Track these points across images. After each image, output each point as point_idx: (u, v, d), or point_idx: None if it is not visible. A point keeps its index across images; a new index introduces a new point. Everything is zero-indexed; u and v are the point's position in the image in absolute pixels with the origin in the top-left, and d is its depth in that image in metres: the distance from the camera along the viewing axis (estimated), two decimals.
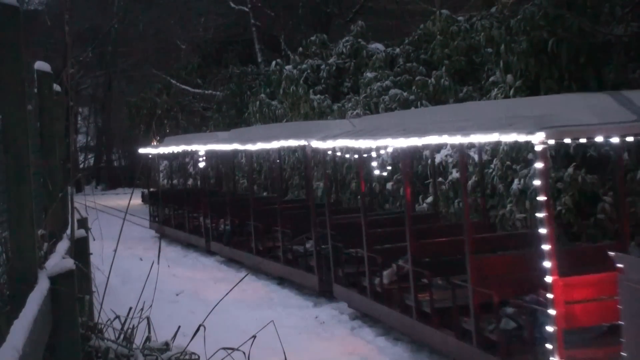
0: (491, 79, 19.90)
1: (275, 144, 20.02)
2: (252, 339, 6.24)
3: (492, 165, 17.20)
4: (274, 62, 32.24)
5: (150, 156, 37.54)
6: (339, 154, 21.85)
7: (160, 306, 8.44)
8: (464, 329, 11.50)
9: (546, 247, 9.50)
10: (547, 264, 9.49)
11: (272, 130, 21.70)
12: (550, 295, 9.46)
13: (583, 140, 10.14)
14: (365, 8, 40.16)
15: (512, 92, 16.72)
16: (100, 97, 70.73)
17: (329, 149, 16.92)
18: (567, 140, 10.19)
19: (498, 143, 16.41)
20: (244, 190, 32.44)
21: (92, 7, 59.24)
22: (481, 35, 21.66)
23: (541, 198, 9.49)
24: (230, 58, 43.57)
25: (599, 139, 9.89)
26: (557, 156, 15.68)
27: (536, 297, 10.47)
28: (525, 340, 10.31)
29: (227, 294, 6.94)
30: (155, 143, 46.45)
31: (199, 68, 45.08)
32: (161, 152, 34.59)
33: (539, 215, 9.58)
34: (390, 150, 18.67)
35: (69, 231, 6.37)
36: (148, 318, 6.53)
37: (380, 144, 14.33)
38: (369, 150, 16.95)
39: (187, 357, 6.24)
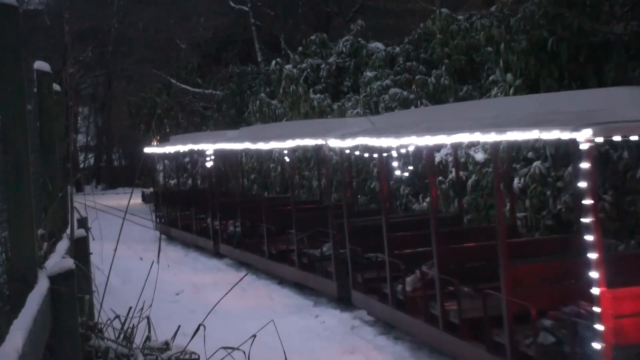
0: (491, 77, 19.91)
1: (289, 143, 18.87)
2: (252, 338, 6.24)
3: (492, 164, 17.19)
4: (273, 62, 32.24)
5: (155, 155, 37.05)
6: (347, 151, 21.36)
7: (160, 306, 8.44)
8: (496, 342, 10.68)
9: (593, 255, 8.70)
10: (593, 274, 8.71)
11: (285, 129, 20.73)
12: (597, 309, 8.71)
13: (634, 138, 9.35)
14: (365, 7, 40.16)
15: (511, 91, 16.71)
16: (100, 96, 70.79)
17: (347, 148, 16.06)
18: (617, 138, 9.37)
19: (497, 142, 16.37)
20: (246, 189, 32.26)
21: (92, 6, 59.23)
22: (481, 34, 21.66)
23: (587, 202, 8.74)
24: (230, 57, 43.57)
25: None
26: (557, 155, 15.68)
27: (576, 309, 9.76)
28: (565, 356, 9.54)
29: (226, 293, 6.94)
30: (155, 143, 46.47)
31: (199, 67, 45.09)
32: (167, 152, 33.87)
33: (585, 220, 8.81)
34: (411, 149, 18.07)
35: (68, 231, 6.38)
36: (148, 318, 6.53)
37: (404, 142, 13.35)
38: (389, 149, 16.13)
39: (187, 356, 6.24)
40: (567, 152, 15.40)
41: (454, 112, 12.80)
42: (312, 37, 31.67)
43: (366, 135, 14.38)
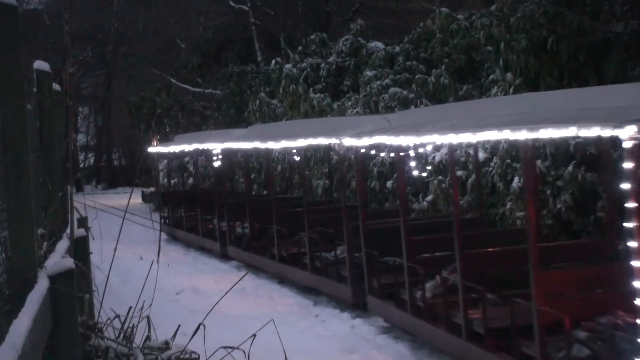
0: (491, 77, 19.91)
1: (301, 142, 18.02)
2: (252, 337, 6.24)
3: (492, 164, 17.20)
4: (273, 61, 32.23)
5: (160, 155, 36.67)
6: (363, 151, 20.41)
7: (160, 305, 8.44)
8: (526, 354, 10.02)
9: (637, 263, 8.13)
10: (636, 282, 8.11)
11: (297, 127, 19.88)
12: (639, 320, 8.13)
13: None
14: (365, 6, 40.17)
15: (511, 90, 16.71)
16: (100, 96, 70.80)
17: (363, 147, 15.39)
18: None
19: (497, 141, 16.40)
20: (242, 189, 32.12)
21: (91, 6, 59.23)
22: (481, 33, 21.66)
23: (632, 205, 8.27)
24: (230, 57, 43.57)
25: None
26: (557, 154, 15.68)
27: (614, 320, 9.17)
28: None
29: (226, 292, 6.94)
30: (155, 142, 46.47)
31: (199, 67, 45.08)
32: (171, 151, 33.40)
33: (628, 225, 8.33)
34: (430, 148, 17.50)
35: (68, 230, 6.38)
36: (148, 317, 6.53)
37: (425, 141, 12.60)
38: (407, 148, 15.34)
39: (187, 356, 6.24)
40: (567, 151, 15.41)
41: (477, 108, 12.10)
42: (312, 37, 31.67)
43: (383, 133, 13.63)
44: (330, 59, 29.62)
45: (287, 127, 21.76)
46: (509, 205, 16.44)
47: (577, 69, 16.02)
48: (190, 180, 38.88)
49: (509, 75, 17.03)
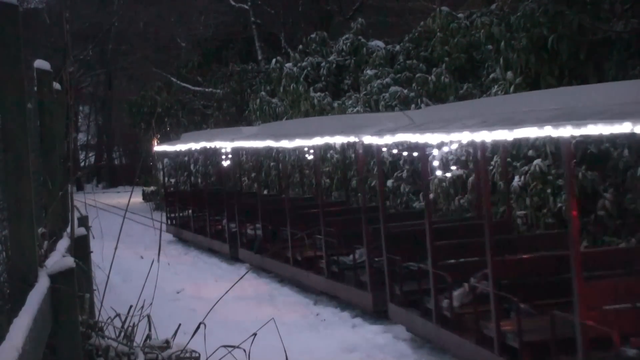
0: (491, 76, 19.90)
1: (317, 140, 17.01)
2: (253, 336, 6.24)
3: (493, 162, 17.20)
4: (274, 60, 32.23)
5: (167, 154, 36.05)
6: (384, 149, 18.79)
7: (161, 304, 8.44)
8: None
9: None
10: None
11: (312, 125, 18.80)
12: None
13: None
14: (366, 5, 40.14)
15: (512, 89, 16.72)
16: (101, 95, 70.83)
17: (385, 145, 14.65)
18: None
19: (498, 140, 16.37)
20: (243, 188, 32.05)
21: (92, 5, 59.25)
22: (481, 32, 21.65)
23: None
24: (231, 56, 43.55)
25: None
26: (557, 153, 15.68)
27: None
28: None
29: (227, 291, 6.94)
30: (156, 141, 46.46)
31: (199, 66, 45.06)
32: (178, 150, 32.73)
33: None
34: (454, 147, 16.81)
35: (69, 229, 6.37)
36: (148, 316, 6.53)
37: (454, 138, 11.76)
38: (424, 147, 13.92)
39: (187, 355, 6.24)
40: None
41: (509, 104, 11.27)
42: (313, 36, 31.68)
43: (407, 131, 12.76)
44: (331, 58, 29.62)
45: (301, 124, 20.73)
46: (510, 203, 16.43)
47: (577, 67, 16.02)
48: (191, 180, 38.78)
49: (509, 74, 17.03)
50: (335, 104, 26.67)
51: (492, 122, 10.19)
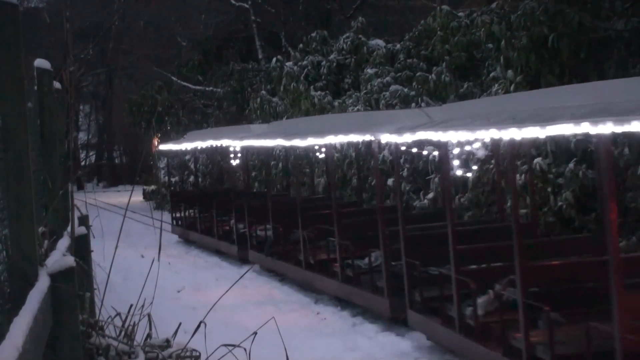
0: (492, 74, 19.90)
1: (330, 139, 16.26)
2: (253, 335, 6.24)
3: (493, 161, 17.20)
4: (274, 59, 32.24)
5: (172, 153, 35.45)
6: (403, 148, 17.77)
7: (161, 303, 8.44)
8: None
9: None
10: None
11: (325, 123, 18.10)
12: None
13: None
14: (366, 4, 40.13)
15: (512, 87, 16.72)
16: (101, 94, 70.84)
17: (404, 144, 14.04)
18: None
19: (498, 138, 16.34)
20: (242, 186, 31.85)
21: (92, 4, 59.25)
22: (481, 30, 21.65)
23: None
24: (231, 55, 43.54)
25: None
26: (558, 151, 15.68)
27: None
28: None
29: (227, 290, 6.95)
30: (157, 140, 46.46)
31: (200, 65, 45.06)
32: (183, 149, 32.01)
33: None
34: (476, 145, 16.17)
35: (69, 228, 6.37)
36: (149, 315, 6.54)
37: (480, 136, 11.11)
38: (446, 145, 13.20)
39: (188, 354, 6.24)
40: (568, 148, 15.41)
41: (538, 99, 10.55)
42: (313, 34, 31.68)
43: (428, 129, 12.02)
44: (331, 57, 29.62)
45: (313, 122, 19.92)
46: (509, 202, 16.43)
47: (577, 66, 16.02)
48: (191, 179, 38.75)
49: (509, 72, 17.03)
50: (336, 103, 26.68)
51: (522, 119, 9.51)
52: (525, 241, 11.09)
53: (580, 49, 15.94)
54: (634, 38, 15.61)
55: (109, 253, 7.12)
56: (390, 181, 21.52)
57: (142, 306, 6.53)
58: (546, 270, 10.87)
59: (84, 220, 7.35)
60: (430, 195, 19.32)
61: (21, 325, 3.43)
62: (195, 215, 29.07)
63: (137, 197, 44.96)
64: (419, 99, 22.30)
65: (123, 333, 6.19)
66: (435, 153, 18.78)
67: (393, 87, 23.41)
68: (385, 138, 13.71)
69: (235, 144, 24.26)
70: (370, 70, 25.58)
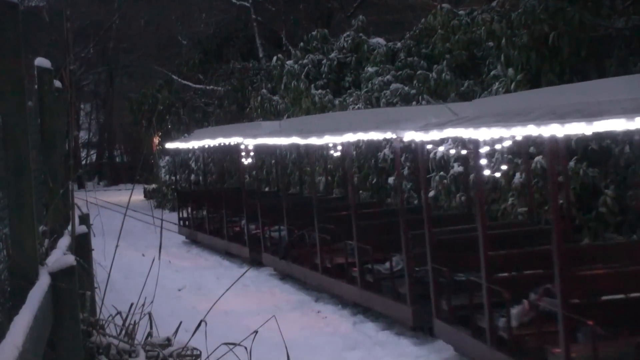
0: (492, 72, 19.90)
1: (348, 137, 15.38)
2: (254, 334, 6.24)
3: (494, 159, 17.20)
4: (275, 57, 32.24)
5: (180, 151, 34.44)
6: (429, 147, 17.44)
7: (162, 302, 8.45)
8: None
9: None
10: None
11: (342, 120, 17.31)
12: None
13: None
14: (366, 2, 40.13)
15: (513, 85, 16.71)
16: (102, 93, 70.88)
17: (429, 142, 13.30)
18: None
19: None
20: (247, 185, 31.71)
21: (93, 3, 59.27)
22: (482, 29, 21.63)
23: None
24: (232, 53, 43.56)
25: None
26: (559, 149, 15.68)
27: None
28: None
29: (228, 289, 6.95)
30: (157, 139, 46.47)
31: (200, 63, 45.09)
32: (190, 147, 31.22)
33: None
34: (508, 144, 15.09)
35: (70, 227, 6.37)
36: (150, 314, 6.53)
37: (517, 133, 10.10)
38: (476, 143, 12.11)
39: (188, 352, 6.24)
40: (568, 146, 15.40)
41: (577, 93, 9.71)
42: (314, 33, 31.68)
43: (457, 125, 11.23)
44: (332, 55, 29.62)
45: (328, 120, 19.10)
46: (510, 201, 16.44)
47: (578, 64, 16.02)
48: (192, 177, 38.70)
49: (510, 70, 17.03)
50: (337, 102, 26.69)
51: (563, 114, 8.73)
52: (566, 246, 10.27)
53: (581, 47, 15.94)
54: (634, 36, 15.61)
55: (110, 252, 7.12)
56: (390, 179, 21.51)
57: (143, 305, 6.53)
58: (590, 279, 10.01)
59: (84, 219, 7.35)
60: (431, 193, 19.30)
61: (21, 324, 3.43)
62: (203, 215, 28.24)
63: (138, 196, 44.98)
64: (420, 98, 22.31)
65: (124, 332, 6.19)
66: (440, 149, 18.75)
67: (394, 86, 23.41)
68: (410, 136, 12.86)
69: (248, 142, 23.26)
70: (370, 69, 25.59)
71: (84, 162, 69.20)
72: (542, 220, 15.41)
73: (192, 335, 6.38)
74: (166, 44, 52.11)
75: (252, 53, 43.06)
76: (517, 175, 16.31)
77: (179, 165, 38.94)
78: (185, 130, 42.14)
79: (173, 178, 39.32)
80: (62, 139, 8.30)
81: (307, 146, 19.69)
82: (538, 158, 15.72)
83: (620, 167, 14.59)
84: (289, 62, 30.50)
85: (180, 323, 6.64)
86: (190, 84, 44.42)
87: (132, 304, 6.48)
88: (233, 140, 24.33)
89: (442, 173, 18.74)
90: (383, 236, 15.40)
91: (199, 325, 6.39)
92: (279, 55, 32.26)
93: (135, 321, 6.34)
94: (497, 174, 16.58)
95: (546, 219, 15.46)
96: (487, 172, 15.37)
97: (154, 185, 45.51)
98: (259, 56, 42.00)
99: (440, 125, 11.84)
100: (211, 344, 6.28)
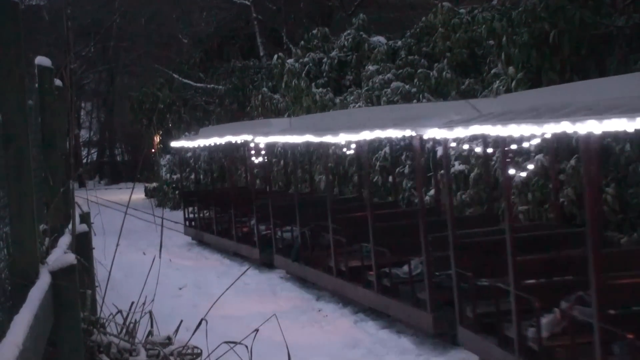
0: (493, 71, 19.89)
1: (365, 135, 14.70)
2: (255, 332, 6.24)
3: (495, 158, 17.19)
4: (275, 56, 32.24)
5: (185, 150, 34.45)
6: (454, 144, 17.04)
7: (163, 300, 8.45)
8: None
9: None
10: None
11: (358, 118, 16.61)
12: None
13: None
14: (367, 1, 40.12)
15: (513, 84, 16.71)
16: (103, 91, 70.90)
17: (453, 140, 12.58)
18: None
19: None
20: (244, 183, 31.65)
21: (94, 1, 59.27)
22: (482, 27, 21.63)
23: None
24: (232, 52, 43.58)
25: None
26: (559, 148, 15.67)
27: None
28: None
29: (229, 287, 6.95)
30: (158, 138, 46.46)
31: (201, 62, 45.10)
32: (197, 145, 30.58)
33: None
34: (535, 142, 14.11)
35: (70, 226, 6.38)
36: (150, 312, 6.54)
37: (549, 130, 9.21)
38: (505, 141, 11.43)
39: (189, 351, 6.24)
40: (569, 145, 15.40)
41: (611, 87, 9.06)
42: (314, 31, 31.67)
43: (484, 122, 10.58)
44: (333, 54, 29.62)
45: (344, 117, 18.42)
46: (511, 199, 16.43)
47: (579, 62, 16.01)
48: (192, 176, 38.65)
49: (511, 69, 17.02)
50: (337, 100, 26.69)
51: (602, 110, 8.15)
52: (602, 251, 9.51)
53: (582, 45, 15.93)
54: (635, 34, 15.60)
55: (110, 250, 7.13)
56: (391, 178, 21.50)
57: (144, 303, 6.54)
58: (628, 287, 9.23)
59: (85, 218, 7.35)
60: (432, 192, 19.30)
61: (22, 323, 3.43)
62: (210, 215, 27.40)
63: (139, 194, 44.99)
64: (420, 96, 22.30)
65: (124, 330, 6.19)
66: (438, 149, 18.75)
67: (394, 84, 23.40)
68: (433, 133, 12.25)
69: (259, 140, 22.45)
70: (371, 67, 25.58)
71: (84, 160, 69.25)
72: (544, 218, 15.41)
73: (193, 333, 6.38)
74: (167, 42, 52.12)
75: (253, 51, 43.07)
76: (518, 173, 16.29)
77: (181, 163, 38.69)
78: (186, 128, 42.17)
79: (174, 177, 39.27)
80: (63, 138, 8.30)
81: (319, 144, 19.13)
82: (539, 156, 15.71)
83: (620, 165, 14.57)
84: (290, 61, 30.50)
85: (181, 322, 6.65)
86: (191, 82, 44.42)
87: (132, 303, 6.49)
88: (242, 138, 23.74)
89: (442, 172, 18.72)
90: (401, 238, 14.75)
91: (200, 323, 6.40)
92: (280, 54, 32.26)
93: (135, 320, 6.34)
94: (523, 174, 15.85)
95: (547, 217, 15.47)
96: (512, 172, 14.51)
97: (154, 184, 45.52)
98: (259, 55, 42.00)
99: (465, 122, 11.16)
100: (212, 343, 6.29)
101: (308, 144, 19.46)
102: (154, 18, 52.93)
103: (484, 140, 15.00)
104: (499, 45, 18.04)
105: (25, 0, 55.69)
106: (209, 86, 43.08)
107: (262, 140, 22.20)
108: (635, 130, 7.67)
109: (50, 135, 6.73)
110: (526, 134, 9.97)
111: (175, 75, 45.39)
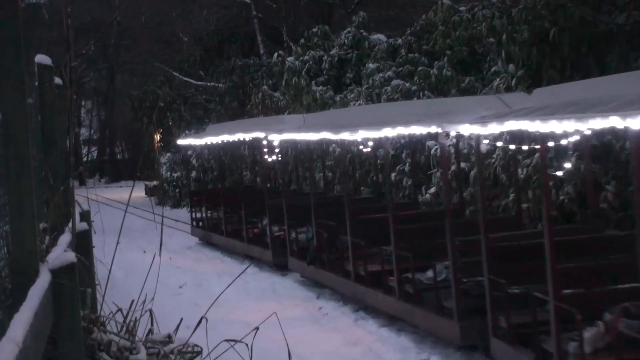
0: (493, 68, 19.90)
1: (387, 132, 13.96)
2: (255, 330, 6.24)
3: (495, 155, 17.20)
4: (276, 54, 32.22)
5: (191, 148, 33.41)
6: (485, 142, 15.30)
7: (163, 298, 8.45)
8: None
9: None
10: None
11: (379, 113, 15.76)
12: None
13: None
14: None
15: (514, 82, 16.71)
16: (103, 90, 70.90)
17: (485, 137, 11.92)
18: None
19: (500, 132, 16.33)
20: (248, 182, 31.62)
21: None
22: (483, 25, 21.63)
23: None
24: (232, 50, 43.56)
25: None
26: (560, 146, 15.66)
27: None
28: None
29: (229, 285, 6.95)
30: (158, 136, 46.46)
31: (201, 60, 45.09)
32: (205, 143, 29.82)
33: None
34: (574, 139, 12.68)
35: (70, 224, 6.38)
36: (151, 310, 6.54)
37: (594, 126, 8.45)
38: (544, 138, 10.48)
39: (189, 349, 6.24)
40: (568, 145, 15.39)
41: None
42: (314, 29, 31.66)
43: (520, 118, 9.75)
44: (333, 52, 29.61)
45: (364, 112, 17.62)
46: (511, 197, 16.44)
47: (579, 60, 16.01)
48: (193, 174, 38.61)
49: (511, 66, 17.02)
50: (337, 98, 26.68)
51: None
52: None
53: (582, 43, 15.93)
54: (635, 32, 15.59)
55: (111, 249, 7.13)
56: (392, 176, 21.47)
57: (144, 302, 6.54)
58: None
59: (85, 216, 7.35)
60: (433, 190, 19.30)
61: (21, 321, 3.43)
62: (218, 215, 26.45)
63: (139, 192, 44.99)
64: (421, 94, 22.30)
65: (124, 329, 6.20)
66: (438, 147, 18.74)
67: (395, 82, 23.40)
68: (464, 129, 11.40)
69: (273, 137, 21.37)
70: (371, 65, 25.57)
71: (85, 159, 69.22)
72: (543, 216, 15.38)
73: (193, 332, 6.39)
74: (167, 40, 52.08)
75: (253, 50, 43.07)
76: (518, 171, 16.29)
77: (180, 162, 38.68)
78: (186, 127, 42.16)
79: (174, 175, 39.24)
80: (63, 136, 8.30)
81: (340, 142, 18.41)
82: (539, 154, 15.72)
83: (621, 162, 14.57)
84: (290, 59, 30.49)
85: (181, 320, 6.65)
86: (191, 80, 44.42)
87: (132, 301, 6.49)
88: (254, 135, 22.86)
89: (474, 171, 18.69)
90: (424, 242, 14.03)
91: (200, 321, 6.40)
92: (280, 52, 32.24)
93: (136, 318, 6.35)
94: (559, 172, 14.68)
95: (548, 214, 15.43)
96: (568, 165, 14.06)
97: (155, 182, 45.53)
98: (259, 53, 41.99)
99: (500, 118, 10.41)
100: (212, 341, 6.29)
101: (312, 142, 18.91)
102: (154, 16, 52.88)
103: (512, 136, 14.23)
104: (499, 43, 18.05)
105: None
106: (209, 84, 43.08)
107: (276, 138, 21.31)
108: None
109: (50, 133, 6.73)
110: (569, 129, 9.37)
111: (176, 74, 45.39)
